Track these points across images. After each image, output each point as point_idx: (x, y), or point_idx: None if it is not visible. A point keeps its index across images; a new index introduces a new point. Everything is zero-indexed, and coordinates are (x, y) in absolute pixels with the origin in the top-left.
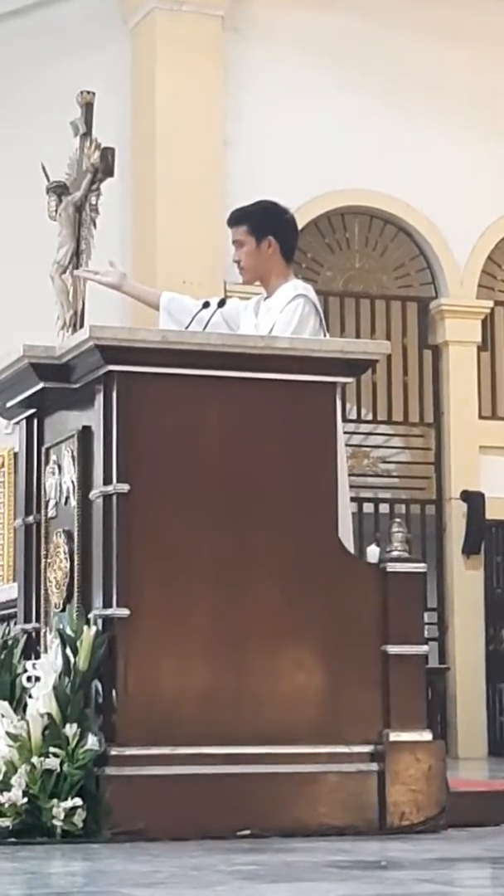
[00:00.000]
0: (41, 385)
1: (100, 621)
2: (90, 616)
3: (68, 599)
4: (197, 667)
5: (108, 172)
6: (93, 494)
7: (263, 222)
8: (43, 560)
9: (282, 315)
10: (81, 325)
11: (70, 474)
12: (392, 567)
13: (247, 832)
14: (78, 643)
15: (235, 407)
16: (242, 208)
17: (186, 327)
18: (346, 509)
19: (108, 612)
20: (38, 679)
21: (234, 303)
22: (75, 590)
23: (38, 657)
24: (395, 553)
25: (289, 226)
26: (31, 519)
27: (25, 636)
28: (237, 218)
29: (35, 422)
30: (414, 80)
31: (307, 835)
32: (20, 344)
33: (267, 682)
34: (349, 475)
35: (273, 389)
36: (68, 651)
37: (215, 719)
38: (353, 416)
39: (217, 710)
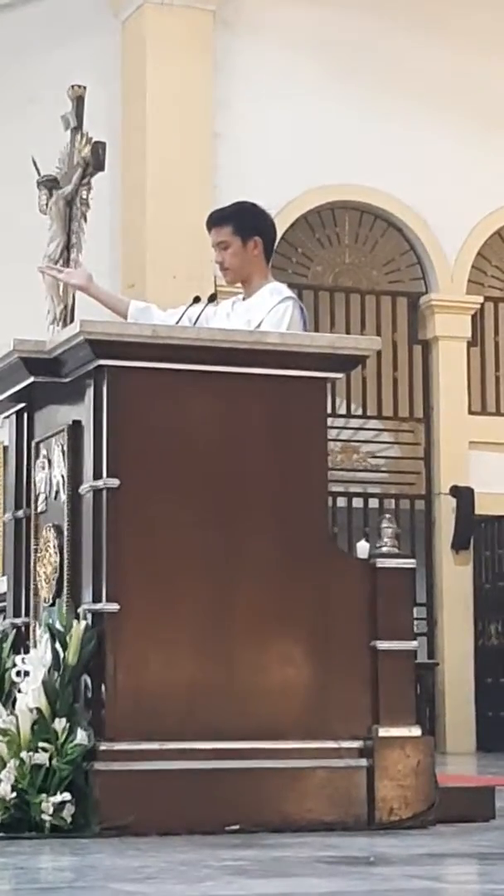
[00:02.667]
0: (31, 379)
1: (89, 616)
2: (79, 611)
3: (58, 594)
4: (186, 662)
5: (99, 167)
6: (82, 489)
7: (249, 222)
8: (32, 554)
9: (271, 314)
10: (72, 320)
11: (60, 468)
12: (381, 562)
13: (235, 827)
14: (67, 638)
15: (225, 402)
16: (223, 209)
17: (177, 322)
18: None
19: (98, 606)
20: (27, 674)
21: (204, 313)
22: (65, 584)
23: (27, 652)
24: (384, 548)
25: (271, 227)
26: (20, 513)
27: (15, 630)
28: (220, 219)
29: (25, 416)
30: (404, 76)
31: (295, 830)
32: (10, 338)
33: (255, 677)
34: (339, 470)
35: (263, 385)
36: (57, 646)
37: (204, 714)
38: (343, 411)
39: (205, 706)
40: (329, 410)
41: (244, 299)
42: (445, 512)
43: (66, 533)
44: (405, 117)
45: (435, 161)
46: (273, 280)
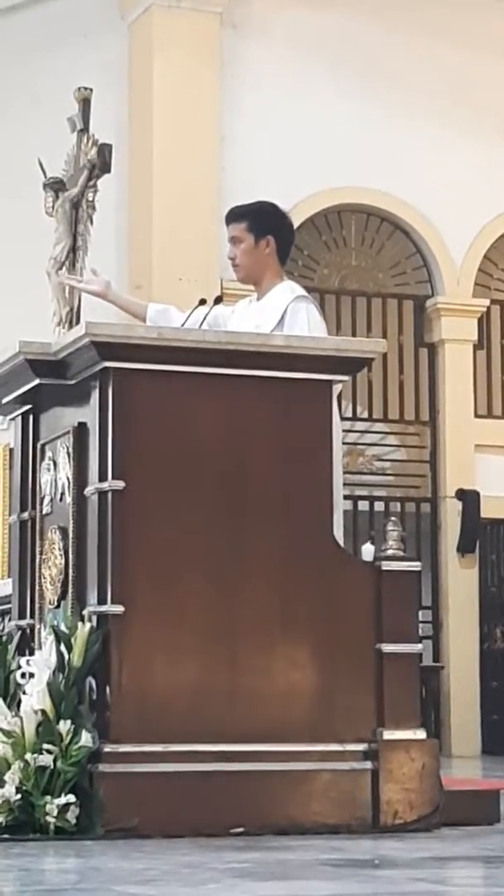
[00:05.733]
0: (37, 381)
1: (94, 618)
2: (84, 613)
3: (63, 596)
4: (190, 664)
5: (105, 169)
6: (88, 491)
7: (264, 221)
8: (38, 556)
9: (290, 314)
10: (77, 322)
11: (65, 470)
12: (387, 565)
13: (240, 830)
14: (72, 640)
15: (231, 404)
16: (242, 206)
17: (182, 325)
18: (338, 507)
19: (103, 608)
20: (32, 675)
21: (218, 310)
22: (70, 586)
23: (32, 653)
24: (389, 551)
25: (287, 229)
26: (25, 515)
27: (20, 632)
28: (237, 214)
29: (31, 418)
30: (411, 78)
31: (300, 833)
32: (16, 340)
33: (260, 679)
34: (344, 473)
35: (268, 387)
36: (62, 647)
37: (208, 717)
38: (349, 413)
39: (210, 708)
40: None
41: (258, 299)
42: (451, 515)
43: (71, 535)
44: (412, 120)
45: (441, 164)
46: (286, 280)
